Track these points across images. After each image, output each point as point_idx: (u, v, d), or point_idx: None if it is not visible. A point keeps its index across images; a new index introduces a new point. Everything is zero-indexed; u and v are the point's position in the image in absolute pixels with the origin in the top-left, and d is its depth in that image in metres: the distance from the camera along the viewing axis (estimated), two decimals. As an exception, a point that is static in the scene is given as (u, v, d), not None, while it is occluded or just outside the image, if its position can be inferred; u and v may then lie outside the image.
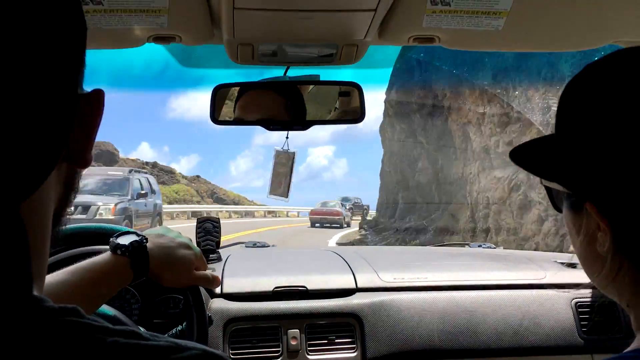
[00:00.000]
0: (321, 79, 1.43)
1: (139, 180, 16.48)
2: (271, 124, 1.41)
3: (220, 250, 1.91)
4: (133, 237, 1.10)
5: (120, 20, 1.09)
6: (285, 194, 1.49)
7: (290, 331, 1.59)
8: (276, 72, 1.40)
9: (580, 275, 1.75)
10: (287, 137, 1.51)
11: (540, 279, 1.79)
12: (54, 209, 0.50)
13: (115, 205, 14.23)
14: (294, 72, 1.40)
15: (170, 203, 34.87)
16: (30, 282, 0.43)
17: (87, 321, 0.44)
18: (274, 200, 1.53)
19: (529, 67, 12.36)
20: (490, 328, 1.64)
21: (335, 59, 1.32)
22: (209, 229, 1.81)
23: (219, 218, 1.86)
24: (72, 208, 0.56)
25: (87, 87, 0.51)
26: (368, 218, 28.06)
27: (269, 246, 2.37)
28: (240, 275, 1.74)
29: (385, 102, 20.49)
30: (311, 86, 1.45)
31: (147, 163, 46.00)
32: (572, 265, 1.90)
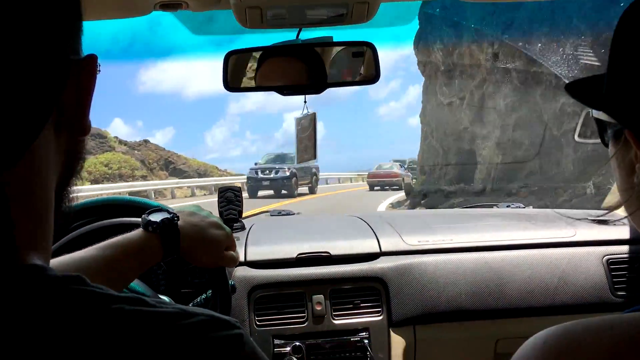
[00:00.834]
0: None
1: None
2: (285, 89, 1.39)
3: (244, 220, 1.91)
4: (164, 215, 1.09)
5: None
6: (313, 155, 1.48)
7: (315, 297, 1.59)
8: (287, 36, 1.37)
9: (611, 232, 1.72)
10: (305, 101, 1.49)
11: (570, 236, 1.74)
12: (57, 179, 0.50)
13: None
14: (306, 35, 1.38)
15: (95, 182, 24.00)
16: (13, 246, 0.43)
17: (91, 289, 0.44)
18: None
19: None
20: (519, 288, 1.62)
21: (346, 19, 1.28)
22: (230, 198, 1.81)
23: (239, 187, 1.86)
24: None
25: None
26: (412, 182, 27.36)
27: (293, 214, 2.37)
28: (264, 243, 1.75)
29: (421, 63, 19.71)
30: (332, 51, 1.42)
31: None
32: (603, 222, 1.85)
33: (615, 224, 1.81)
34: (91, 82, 0.50)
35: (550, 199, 11.87)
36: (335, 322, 1.58)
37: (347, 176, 41.23)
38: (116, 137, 32.10)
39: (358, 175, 39.61)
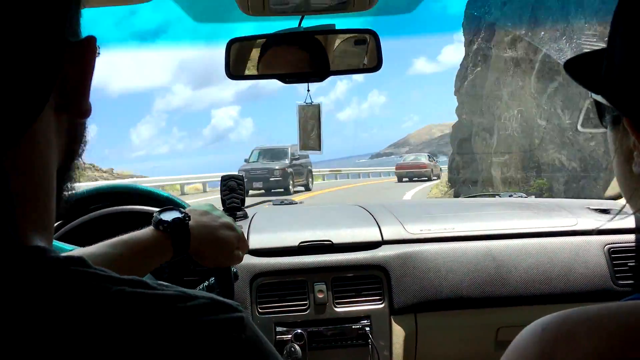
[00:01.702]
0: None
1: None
2: (287, 77, 1.39)
3: (247, 209, 1.91)
4: (176, 214, 1.08)
5: None
6: (318, 146, 1.48)
7: (317, 284, 1.59)
8: (289, 24, 1.37)
9: (613, 221, 1.72)
10: (308, 90, 1.49)
11: (571, 225, 1.74)
12: (58, 161, 0.50)
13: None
14: (308, 23, 1.37)
15: None
16: (13, 227, 0.43)
17: (92, 270, 0.44)
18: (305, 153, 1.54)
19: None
20: (520, 276, 1.62)
21: (349, 6, 1.28)
22: (233, 186, 1.82)
23: (242, 176, 1.86)
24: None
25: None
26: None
27: (296, 203, 2.38)
28: (266, 231, 1.75)
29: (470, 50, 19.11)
30: (336, 40, 1.42)
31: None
32: (604, 211, 1.85)
33: (622, 215, 1.81)
34: (90, 64, 0.49)
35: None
36: (337, 309, 1.59)
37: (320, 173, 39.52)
38: None
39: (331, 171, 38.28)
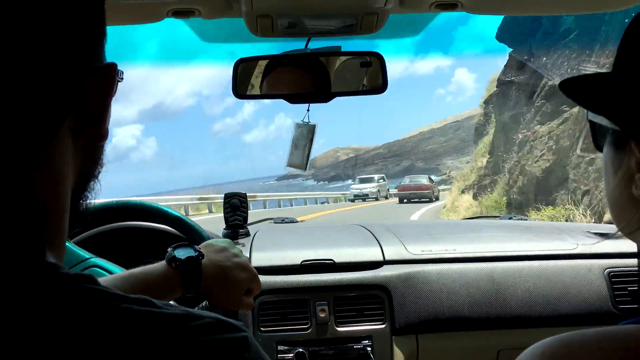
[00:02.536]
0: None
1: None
2: (293, 97, 1.41)
3: (248, 226, 1.92)
4: (190, 252, 1.07)
5: None
6: (304, 165, 1.49)
7: (319, 303, 1.60)
8: (296, 45, 1.39)
9: (613, 245, 1.73)
10: (308, 110, 1.50)
11: (571, 249, 1.75)
12: (74, 182, 0.51)
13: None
14: (315, 44, 1.40)
15: None
16: (42, 246, 0.44)
17: (101, 288, 0.45)
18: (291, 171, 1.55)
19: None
20: (521, 298, 1.63)
21: (355, 29, 1.30)
22: (236, 204, 1.83)
23: (245, 194, 1.87)
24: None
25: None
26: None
27: (297, 222, 2.39)
28: (268, 249, 1.76)
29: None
30: (337, 61, 1.44)
31: None
32: (604, 235, 1.86)
33: (617, 238, 1.82)
34: (110, 90, 0.51)
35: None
36: (339, 329, 1.59)
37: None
38: None
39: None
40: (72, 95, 0.45)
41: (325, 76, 1.42)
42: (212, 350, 0.45)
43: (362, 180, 36.69)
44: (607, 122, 0.67)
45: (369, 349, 1.57)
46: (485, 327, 1.62)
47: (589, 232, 1.91)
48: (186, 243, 1.12)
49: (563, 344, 0.57)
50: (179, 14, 1.19)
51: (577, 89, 0.72)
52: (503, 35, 16.91)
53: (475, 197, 17.87)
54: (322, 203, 31.73)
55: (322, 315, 1.58)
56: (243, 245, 1.78)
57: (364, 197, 32.06)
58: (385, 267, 1.69)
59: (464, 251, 1.74)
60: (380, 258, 1.71)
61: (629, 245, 1.75)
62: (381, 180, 36.61)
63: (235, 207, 1.84)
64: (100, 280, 0.98)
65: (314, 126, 1.45)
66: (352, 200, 31.65)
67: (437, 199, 29.01)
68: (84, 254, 1.29)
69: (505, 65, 17.65)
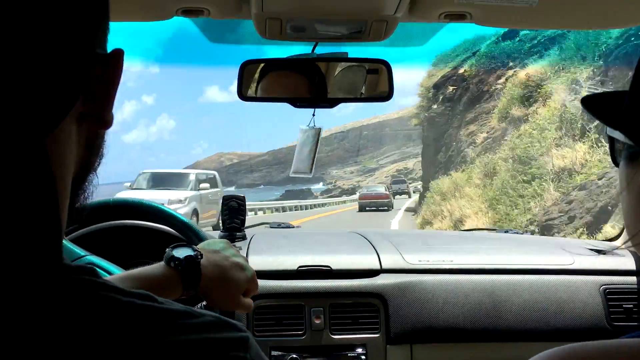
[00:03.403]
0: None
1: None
2: (297, 102, 1.40)
3: (245, 230, 1.91)
4: (188, 252, 1.07)
5: None
6: (309, 170, 1.49)
7: (314, 310, 1.59)
8: (304, 49, 1.39)
9: (609, 262, 1.73)
10: (313, 115, 1.50)
11: (568, 264, 1.76)
12: (74, 172, 0.50)
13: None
14: (322, 49, 1.39)
15: None
16: (60, 240, 0.43)
17: (103, 281, 0.45)
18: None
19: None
20: (516, 312, 1.63)
21: (364, 36, 1.30)
22: (234, 207, 1.82)
23: (244, 196, 1.86)
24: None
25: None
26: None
27: (293, 227, 2.38)
28: (265, 253, 1.75)
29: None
30: (341, 65, 1.44)
31: None
32: (601, 252, 1.86)
33: (613, 254, 1.83)
34: (116, 76, 0.51)
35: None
36: (333, 336, 1.58)
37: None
38: None
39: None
40: (82, 79, 0.45)
41: (334, 82, 1.42)
42: (212, 347, 0.45)
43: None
44: (623, 137, 0.68)
45: (363, 357, 1.56)
46: (480, 339, 1.61)
47: (585, 248, 1.92)
48: (184, 243, 1.11)
49: (567, 354, 0.57)
50: (187, 12, 1.19)
51: (596, 105, 0.73)
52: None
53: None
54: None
55: (318, 321, 1.57)
56: (240, 248, 1.77)
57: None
58: (382, 275, 1.68)
59: (461, 262, 1.74)
60: (377, 266, 1.70)
61: (625, 263, 1.76)
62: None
63: (233, 210, 1.83)
64: None
65: (319, 129, 1.44)
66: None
67: (392, 207, 30.23)
68: (79, 251, 1.28)
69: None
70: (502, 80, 19.00)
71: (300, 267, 1.67)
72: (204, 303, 1.37)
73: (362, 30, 1.29)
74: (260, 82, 1.43)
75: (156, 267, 1.05)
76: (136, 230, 1.50)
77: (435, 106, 24.49)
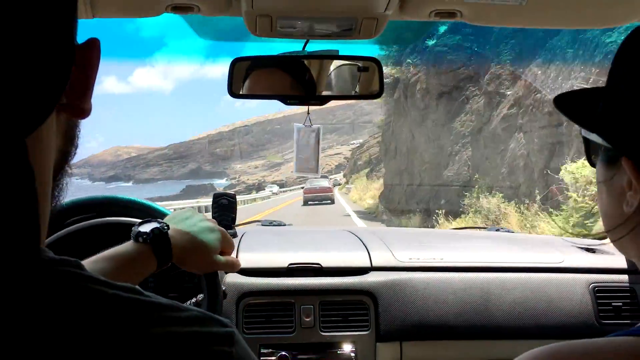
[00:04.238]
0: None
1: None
2: (288, 99, 1.40)
3: (236, 228, 1.91)
4: (154, 225, 1.09)
5: None
6: (315, 169, 1.49)
7: (304, 307, 1.59)
8: (294, 46, 1.39)
9: (599, 260, 1.74)
10: (308, 113, 1.50)
11: (557, 262, 1.76)
12: (54, 163, 0.50)
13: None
14: (313, 46, 1.39)
15: None
16: (38, 232, 0.43)
17: (88, 274, 0.45)
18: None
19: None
20: (506, 310, 1.63)
21: (354, 33, 1.30)
22: (224, 204, 1.81)
23: (234, 194, 1.86)
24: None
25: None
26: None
27: (284, 225, 2.38)
28: (255, 251, 1.75)
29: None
30: (336, 63, 1.44)
31: None
32: (591, 250, 1.87)
33: (603, 253, 1.84)
34: (95, 65, 0.51)
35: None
36: (323, 333, 1.58)
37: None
38: None
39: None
40: (65, 72, 0.44)
41: (324, 79, 1.42)
42: (198, 342, 0.45)
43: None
44: (600, 139, 0.67)
45: (352, 354, 1.57)
46: (470, 336, 1.62)
47: (575, 245, 1.92)
48: (149, 219, 1.13)
49: (553, 353, 0.58)
50: (177, 9, 1.18)
51: (570, 105, 0.73)
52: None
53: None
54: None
55: (307, 319, 1.58)
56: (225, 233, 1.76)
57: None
58: (372, 273, 1.68)
59: (451, 260, 1.74)
60: (367, 264, 1.70)
61: (614, 261, 1.77)
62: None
63: (224, 208, 1.82)
64: None
65: (318, 128, 1.45)
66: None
67: (334, 201, 31.14)
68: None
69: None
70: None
71: (290, 264, 1.67)
72: (195, 299, 1.37)
73: (353, 28, 1.28)
74: (264, 77, 1.43)
75: (126, 245, 1.07)
76: (103, 228, 1.39)
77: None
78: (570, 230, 7.69)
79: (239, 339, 0.48)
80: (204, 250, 1.15)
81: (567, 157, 10.55)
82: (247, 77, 1.43)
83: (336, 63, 1.45)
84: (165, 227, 1.10)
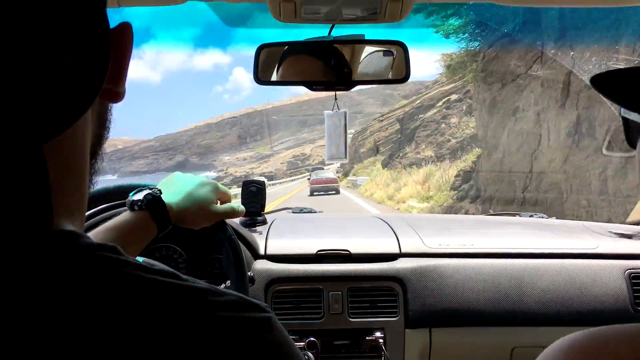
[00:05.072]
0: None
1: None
2: (314, 85, 1.40)
3: (266, 215, 1.92)
4: (146, 191, 1.13)
5: None
6: (344, 154, 1.49)
7: (333, 293, 1.59)
8: (319, 31, 1.38)
9: (635, 246, 1.69)
10: (335, 98, 1.50)
11: (592, 248, 1.72)
12: (90, 145, 0.51)
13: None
14: (338, 31, 1.38)
15: None
16: (49, 215, 0.43)
17: (124, 258, 0.45)
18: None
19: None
20: (537, 296, 1.60)
21: (379, 17, 1.28)
22: (253, 191, 1.83)
23: (263, 181, 1.87)
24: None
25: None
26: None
27: (315, 212, 2.38)
28: (284, 237, 1.76)
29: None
30: (362, 48, 1.42)
31: None
32: (627, 236, 1.82)
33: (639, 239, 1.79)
34: (129, 49, 0.51)
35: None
36: (352, 319, 1.58)
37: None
38: None
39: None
40: (105, 57, 0.44)
41: (351, 64, 1.41)
42: (234, 327, 0.44)
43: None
44: None
45: (381, 340, 1.56)
46: (500, 323, 1.60)
47: (611, 232, 1.88)
48: (140, 189, 1.16)
49: (592, 338, 0.56)
50: None
51: (609, 85, 0.70)
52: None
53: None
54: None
55: (336, 305, 1.58)
56: (260, 233, 1.78)
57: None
58: (401, 259, 1.67)
59: (481, 246, 1.72)
60: (396, 250, 1.70)
61: None
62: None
63: (253, 195, 1.84)
64: None
65: (344, 112, 1.44)
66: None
67: (339, 191, 31.73)
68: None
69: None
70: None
71: (319, 251, 1.67)
72: (224, 285, 1.38)
73: (378, 12, 1.27)
74: (290, 63, 1.43)
75: (124, 215, 1.10)
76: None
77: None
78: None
79: (277, 324, 0.47)
80: (200, 204, 1.17)
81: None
82: (276, 63, 1.42)
83: (366, 49, 1.43)
84: (158, 192, 1.13)
